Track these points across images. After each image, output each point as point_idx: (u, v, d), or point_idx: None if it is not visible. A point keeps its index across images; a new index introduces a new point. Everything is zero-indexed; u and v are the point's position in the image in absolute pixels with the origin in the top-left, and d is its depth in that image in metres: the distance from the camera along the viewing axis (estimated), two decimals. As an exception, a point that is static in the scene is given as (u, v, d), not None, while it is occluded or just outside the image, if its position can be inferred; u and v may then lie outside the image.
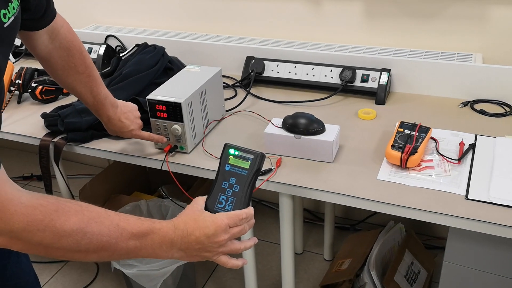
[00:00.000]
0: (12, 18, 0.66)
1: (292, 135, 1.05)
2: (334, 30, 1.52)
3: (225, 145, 0.76)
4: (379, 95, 1.29)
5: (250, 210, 0.74)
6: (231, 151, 0.75)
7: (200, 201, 0.76)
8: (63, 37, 0.93)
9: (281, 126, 1.07)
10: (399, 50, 1.42)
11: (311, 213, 1.90)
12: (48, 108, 1.29)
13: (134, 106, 1.06)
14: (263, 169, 1.01)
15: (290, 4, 1.54)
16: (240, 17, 1.63)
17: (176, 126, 1.06)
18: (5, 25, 0.65)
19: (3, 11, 0.64)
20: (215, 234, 0.70)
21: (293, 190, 0.99)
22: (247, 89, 1.36)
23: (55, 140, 1.17)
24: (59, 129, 1.17)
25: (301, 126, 1.04)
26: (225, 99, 1.29)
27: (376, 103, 1.29)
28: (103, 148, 1.14)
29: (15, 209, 0.59)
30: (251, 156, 0.74)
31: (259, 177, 1.00)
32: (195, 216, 0.72)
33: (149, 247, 0.68)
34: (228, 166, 0.75)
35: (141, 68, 1.28)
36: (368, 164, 1.03)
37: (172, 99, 1.05)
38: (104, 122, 1.03)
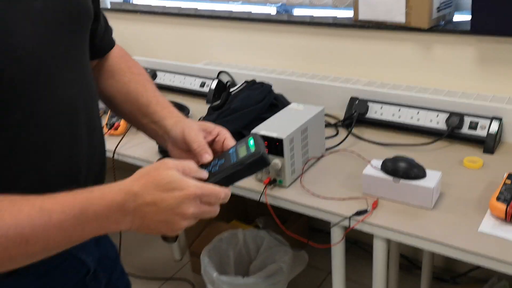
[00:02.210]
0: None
1: (391, 178, 1.04)
2: (444, 75, 1.49)
3: (254, 134, 0.73)
4: (488, 144, 1.23)
5: (228, 191, 0.66)
6: (250, 141, 0.71)
7: (169, 162, 0.64)
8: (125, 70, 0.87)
9: (380, 168, 1.07)
10: (513, 98, 1.35)
11: (408, 260, 1.83)
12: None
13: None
14: (359, 209, 1.02)
15: (399, 46, 1.54)
16: (347, 58, 1.66)
17: (277, 161, 1.11)
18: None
19: None
20: (181, 202, 0.61)
21: (388, 233, 0.98)
22: (349, 129, 1.37)
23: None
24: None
25: (401, 169, 1.03)
26: (326, 138, 1.32)
27: (484, 152, 1.23)
28: (208, 176, 1.22)
29: None
30: (253, 150, 0.69)
31: (354, 217, 1.01)
32: (159, 178, 0.61)
33: (94, 222, 0.58)
34: (233, 149, 0.72)
35: (248, 103, 1.36)
36: (470, 214, 0.99)
37: (274, 135, 1.10)
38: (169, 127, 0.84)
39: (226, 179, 0.67)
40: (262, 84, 1.44)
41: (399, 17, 1.47)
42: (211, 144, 0.77)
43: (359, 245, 1.88)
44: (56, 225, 0.56)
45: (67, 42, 0.68)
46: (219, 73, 1.75)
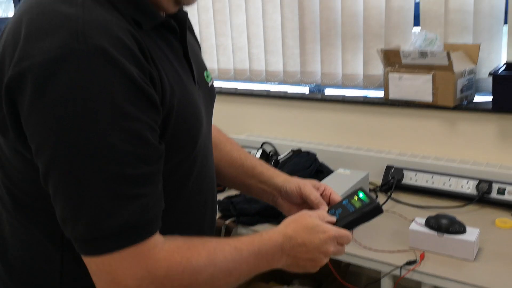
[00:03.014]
0: (211, 82, 0.90)
1: (435, 233, 1.18)
2: (468, 148, 1.67)
3: (360, 188, 0.89)
4: (516, 208, 1.38)
5: (350, 235, 0.81)
6: (360, 194, 0.86)
7: (308, 211, 0.83)
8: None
9: (424, 224, 1.21)
10: (534, 169, 1.52)
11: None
12: (220, 196, 1.57)
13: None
14: (409, 260, 1.15)
15: (427, 122, 1.73)
16: (378, 132, 1.85)
17: (331, 217, 1.26)
18: (209, 85, 0.89)
19: (206, 72, 0.89)
20: (325, 242, 0.76)
21: (436, 281, 1.11)
22: (388, 193, 1.53)
23: (227, 222, 1.42)
24: (231, 214, 1.42)
25: (444, 225, 1.18)
26: (368, 200, 1.47)
27: (512, 215, 1.38)
28: (266, 231, 1.36)
29: (159, 255, 0.65)
30: (367, 201, 0.84)
31: (405, 267, 1.14)
32: (305, 223, 0.78)
33: (264, 259, 0.74)
34: (346, 201, 0.87)
35: (298, 169, 1.53)
36: (509, 265, 1.11)
37: (330, 193, 1.26)
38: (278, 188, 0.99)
39: (349, 225, 0.83)
40: (307, 153, 1.62)
41: (427, 97, 1.68)
42: None
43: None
44: (245, 260, 0.71)
45: (208, 124, 0.87)
46: (263, 143, 1.94)
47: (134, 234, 0.65)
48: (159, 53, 0.73)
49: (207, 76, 0.90)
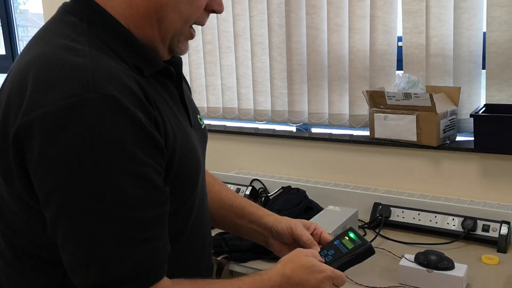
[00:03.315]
0: (204, 125, 0.94)
1: (425, 269, 1.21)
2: (452, 186, 1.72)
3: (350, 228, 0.91)
4: (501, 244, 1.42)
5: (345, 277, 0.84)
6: (350, 234, 0.89)
7: (303, 250, 0.86)
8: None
9: (413, 261, 1.24)
10: (515, 206, 1.57)
11: None
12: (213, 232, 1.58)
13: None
14: None
15: (412, 161, 1.79)
16: (364, 170, 1.89)
17: (323, 253, 1.28)
18: (202, 126, 0.92)
19: (199, 116, 0.92)
20: (321, 282, 0.80)
21: (428, 317, 1.13)
22: (377, 230, 1.56)
23: (219, 258, 1.43)
24: (223, 250, 1.43)
25: (433, 261, 1.21)
26: (358, 237, 1.50)
27: (498, 251, 1.42)
28: (258, 267, 1.37)
29: None
30: (359, 242, 0.86)
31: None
32: (302, 263, 0.81)
33: None
34: (337, 241, 0.89)
35: (288, 206, 1.55)
36: (497, 300, 1.15)
37: (322, 230, 1.28)
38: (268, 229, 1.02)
39: (343, 266, 0.85)
40: (297, 190, 1.65)
41: (411, 137, 1.74)
42: None
43: None
44: None
45: (203, 165, 0.90)
46: (252, 180, 1.96)
47: (145, 278, 0.66)
48: (160, 99, 0.76)
49: (200, 119, 0.94)
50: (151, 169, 0.68)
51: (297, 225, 0.96)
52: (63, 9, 0.78)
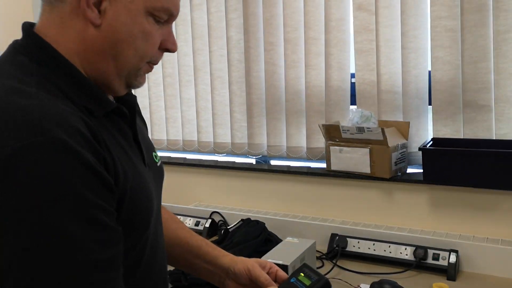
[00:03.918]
0: (159, 162, 0.94)
1: (379, 298, 1.26)
2: (404, 216, 1.80)
3: (304, 264, 0.94)
4: (450, 272, 1.49)
5: None
6: (306, 270, 0.91)
7: None
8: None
9: (369, 290, 1.29)
10: (463, 236, 1.65)
11: None
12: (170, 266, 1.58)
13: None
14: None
15: (366, 192, 1.86)
16: (321, 201, 1.95)
17: (282, 285, 1.30)
18: (158, 164, 0.92)
19: (154, 153, 0.92)
20: None
21: None
22: (334, 261, 1.60)
23: (178, 292, 1.43)
24: (182, 285, 1.43)
25: (387, 291, 1.26)
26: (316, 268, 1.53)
27: (447, 279, 1.49)
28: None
29: None
30: (316, 277, 0.89)
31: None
32: None
33: None
34: (293, 279, 0.91)
35: (248, 238, 1.58)
36: (447, 327, 1.20)
37: (280, 262, 1.31)
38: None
39: None
40: (257, 221, 1.68)
41: (365, 169, 1.81)
42: None
43: None
44: None
45: (158, 204, 0.90)
46: (212, 213, 1.98)
47: None
48: (111, 139, 0.76)
49: (156, 157, 0.93)
50: (102, 210, 0.67)
51: (255, 266, 0.97)
52: (13, 47, 0.77)
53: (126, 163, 0.76)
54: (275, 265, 1.00)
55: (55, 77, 0.73)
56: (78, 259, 0.64)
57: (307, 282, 0.89)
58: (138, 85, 0.83)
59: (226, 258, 1.02)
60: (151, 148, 0.93)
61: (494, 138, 1.68)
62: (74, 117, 0.68)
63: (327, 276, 1.49)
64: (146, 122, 1.01)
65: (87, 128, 0.69)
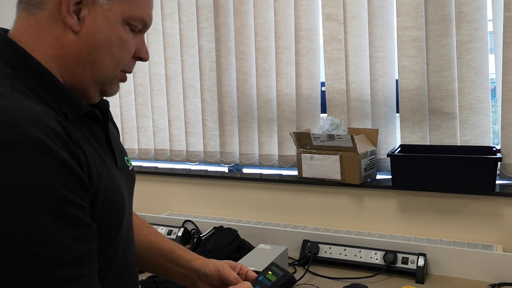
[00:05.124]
0: (131, 166, 0.95)
1: (350, 302, 1.28)
2: (374, 221, 1.83)
3: (272, 262, 0.98)
4: (418, 276, 1.53)
5: None
6: (274, 268, 0.95)
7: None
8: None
9: (340, 295, 1.31)
10: (430, 240, 1.70)
11: None
12: (143, 275, 1.56)
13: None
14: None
15: (337, 199, 1.89)
16: (293, 208, 1.97)
17: (255, 292, 1.31)
18: (130, 168, 0.93)
19: (126, 157, 0.93)
20: None
21: None
22: (306, 267, 1.62)
23: (150, 302, 1.42)
24: (154, 293, 1.42)
25: (357, 294, 1.28)
26: (288, 274, 1.55)
27: (416, 282, 1.52)
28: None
29: None
30: (281, 273, 0.93)
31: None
32: None
33: None
34: (261, 277, 0.95)
35: (221, 246, 1.58)
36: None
37: (253, 268, 1.32)
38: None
39: None
40: (229, 229, 1.68)
41: (336, 176, 1.84)
42: None
43: None
44: None
45: (130, 207, 0.91)
46: (184, 222, 1.97)
47: None
48: (84, 140, 0.77)
49: (128, 161, 0.95)
50: (77, 207, 0.69)
51: (224, 266, 1.00)
52: None
53: (99, 164, 0.78)
54: (245, 266, 1.02)
55: (29, 80, 0.74)
56: (53, 254, 0.65)
57: (273, 278, 0.93)
58: (112, 93, 0.84)
59: (198, 261, 1.03)
60: (123, 152, 0.95)
61: (459, 144, 1.74)
62: (49, 117, 0.70)
63: (299, 282, 1.51)
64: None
65: (62, 128, 0.70)
